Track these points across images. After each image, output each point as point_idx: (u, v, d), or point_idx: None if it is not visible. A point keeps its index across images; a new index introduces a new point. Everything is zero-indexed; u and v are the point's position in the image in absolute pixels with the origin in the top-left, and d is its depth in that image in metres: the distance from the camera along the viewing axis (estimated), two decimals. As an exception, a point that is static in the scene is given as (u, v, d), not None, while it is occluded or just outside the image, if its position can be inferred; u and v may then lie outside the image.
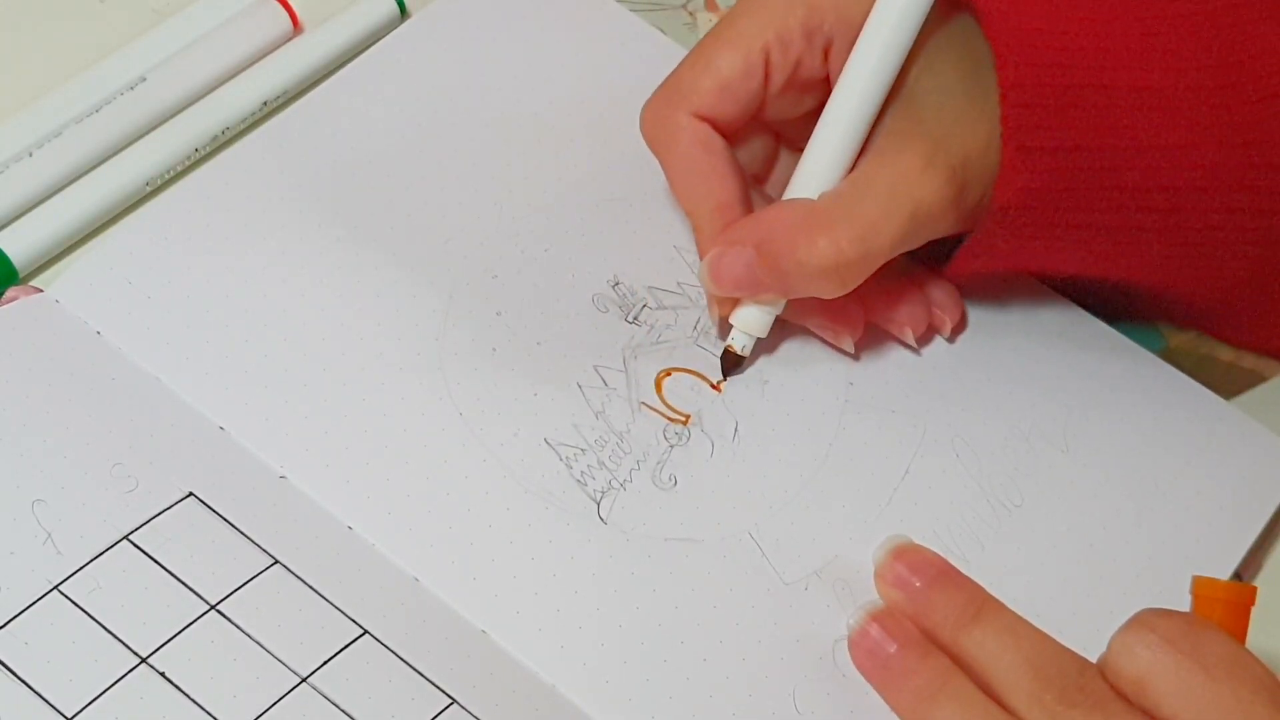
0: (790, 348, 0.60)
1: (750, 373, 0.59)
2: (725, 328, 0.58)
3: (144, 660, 0.50)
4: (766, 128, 0.59)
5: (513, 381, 0.57)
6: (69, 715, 0.48)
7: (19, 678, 0.49)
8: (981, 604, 0.53)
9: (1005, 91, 0.53)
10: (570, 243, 0.60)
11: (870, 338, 0.60)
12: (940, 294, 0.60)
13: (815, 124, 0.56)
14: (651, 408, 0.58)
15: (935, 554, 0.55)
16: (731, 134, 0.57)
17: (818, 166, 0.56)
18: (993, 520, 0.57)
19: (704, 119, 0.56)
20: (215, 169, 0.61)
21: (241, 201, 0.60)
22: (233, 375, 0.56)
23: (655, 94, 0.57)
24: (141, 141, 0.63)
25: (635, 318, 0.59)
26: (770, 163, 0.60)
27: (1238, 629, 0.50)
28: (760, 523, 0.56)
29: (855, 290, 0.56)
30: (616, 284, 0.60)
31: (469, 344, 0.58)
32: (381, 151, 0.62)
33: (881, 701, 0.53)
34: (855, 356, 0.59)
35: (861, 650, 0.53)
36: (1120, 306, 0.62)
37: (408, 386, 0.56)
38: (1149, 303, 0.61)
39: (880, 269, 0.56)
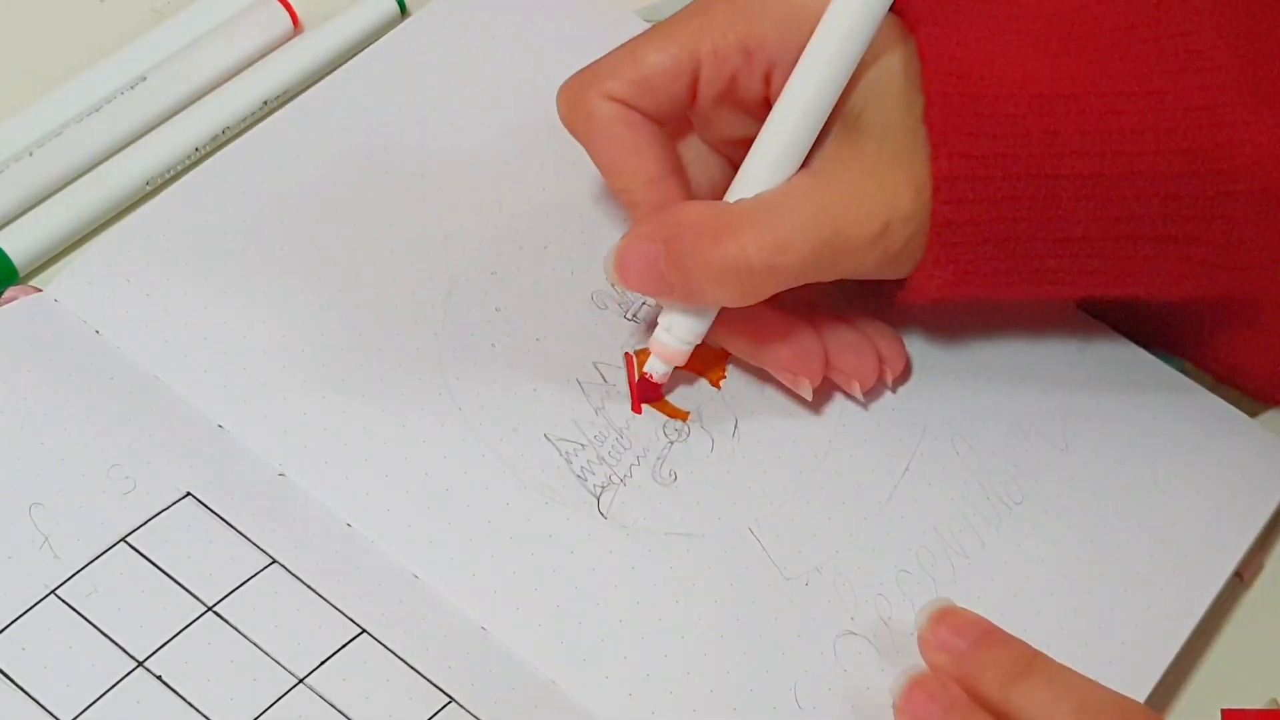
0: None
1: (750, 369, 0.59)
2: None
3: (140, 664, 0.50)
4: (718, 151, 0.58)
5: (512, 377, 0.57)
6: (66, 721, 0.49)
7: (16, 684, 0.49)
8: (1030, 659, 0.52)
9: (938, 183, 0.52)
10: (570, 240, 0.60)
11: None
12: (885, 345, 0.58)
13: None
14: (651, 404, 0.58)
15: (977, 615, 0.54)
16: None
17: (752, 177, 0.54)
18: (993, 517, 0.57)
19: (620, 103, 0.55)
20: (215, 168, 0.61)
21: (241, 201, 0.60)
22: (231, 373, 0.55)
23: (572, 77, 0.56)
24: (141, 141, 0.63)
25: (634, 315, 0.59)
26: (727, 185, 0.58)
27: None
28: (760, 518, 0.56)
29: (817, 334, 0.56)
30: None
31: (468, 340, 0.57)
32: (381, 149, 0.62)
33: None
34: (812, 406, 0.58)
35: (907, 717, 0.52)
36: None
37: (407, 383, 0.56)
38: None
39: (831, 319, 0.56)
